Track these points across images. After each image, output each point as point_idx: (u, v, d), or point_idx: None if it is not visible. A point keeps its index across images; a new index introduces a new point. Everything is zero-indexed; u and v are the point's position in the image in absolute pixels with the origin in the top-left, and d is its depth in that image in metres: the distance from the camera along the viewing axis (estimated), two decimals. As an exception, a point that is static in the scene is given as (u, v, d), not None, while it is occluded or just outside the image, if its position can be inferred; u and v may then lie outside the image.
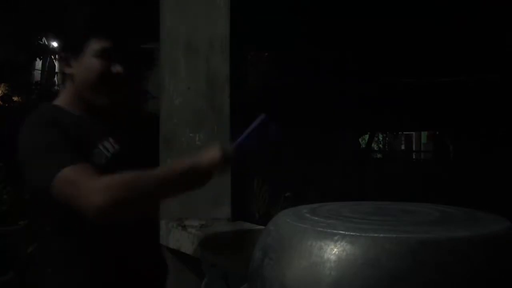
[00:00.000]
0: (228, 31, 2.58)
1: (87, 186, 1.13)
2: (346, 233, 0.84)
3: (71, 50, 1.38)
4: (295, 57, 6.44)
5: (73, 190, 1.16)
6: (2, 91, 7.68)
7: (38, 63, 9.80)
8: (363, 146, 10.93)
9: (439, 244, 0.80)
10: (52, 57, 9.29)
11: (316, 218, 0.97)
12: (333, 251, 0.83)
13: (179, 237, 2.25)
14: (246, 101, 2.86)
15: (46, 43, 8.58)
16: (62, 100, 1.42)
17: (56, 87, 9.28)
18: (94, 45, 1.35)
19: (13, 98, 7.65)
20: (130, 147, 1.40)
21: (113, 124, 1.44)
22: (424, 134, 16.73)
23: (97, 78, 1.34)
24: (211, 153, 1.25)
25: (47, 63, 9.84)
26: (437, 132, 12.24)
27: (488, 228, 0.88)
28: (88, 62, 1.35)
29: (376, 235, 0.82)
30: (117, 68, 1.36)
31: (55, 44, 8.69)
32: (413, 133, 17.17)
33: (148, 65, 1.58)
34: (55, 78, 9.85)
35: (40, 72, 9.97)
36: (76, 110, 1.39)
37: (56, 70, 10.16)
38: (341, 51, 5.90)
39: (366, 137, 10.95)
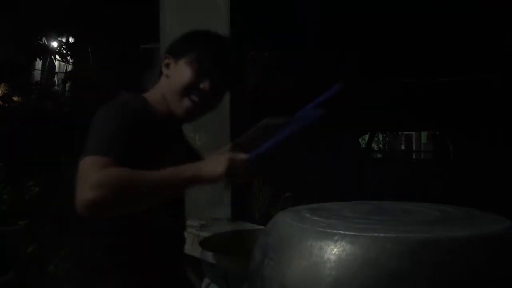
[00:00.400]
0: (228, 31, 2.58)
1: (88, 178, 1.10)
2: (346, 233, 0.84)
3: (173, 54, 1.39)
4: (295, 57, 6.44)
5: (79, 180, 1.12)
6: (2, 91, 7.68)
7: (38, 63, 9.78)
8: (363, 146, 10.93)
9: (438, 244, 0.80)
10: (52, 57, 9.28)
11: (316, 218, 0.97)
12: (333, 251, 0.83)
13: (179, 237, 2.25)
14: (246, 101, 2.86)
15: (46, 43, 8.58)
16: (151, 96, 1.40)
17: (56, 87, 9.28)
18: (191, 55, 1.36)
19: (13, 98, 7.65)
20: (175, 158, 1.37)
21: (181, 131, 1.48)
22: (424, 134, 16.73)
23: (182, 86, 1.35)
24: (217, 164, 1.17)
25: (47, 63, 9.83)
26: (437, 132, 12.25)
27: (488, 228, 0.88)
28: (182, 69, 1.36)
29: (376, 235, 0.82)
30: (204, 84, 1.35)
31: (55, 44, 8.69)
32: (413, 133, 17.17)
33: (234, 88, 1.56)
34: (55, 78, 9.84)
35: (40, 72, 9.96)
36: (159, 109, 1.38)
37: (56, 70, 10.16)
38: (341, 51, 5.91)
39: (366, 137, 10.96)
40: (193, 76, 1.35)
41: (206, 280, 1.81)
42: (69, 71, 8.76)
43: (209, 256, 1.74)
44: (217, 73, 1.37)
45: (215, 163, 1.17)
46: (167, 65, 1.39)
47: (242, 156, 1.19)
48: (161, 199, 1.21)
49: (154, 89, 1.42)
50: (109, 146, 1.17)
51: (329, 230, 0.87)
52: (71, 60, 8.65)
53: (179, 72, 1.36)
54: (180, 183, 1.19)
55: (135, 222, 1.26)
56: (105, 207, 1.10)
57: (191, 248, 2.11)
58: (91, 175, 1.09)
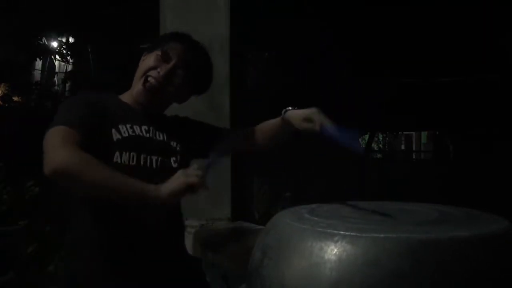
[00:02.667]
0: (228, 31, 2.58)
1: (58, 149, 1.22)
2: (346, 233, 0.84)
3: (148, 50, 1.51)
4: (295, 57, 6.44)
5: (49, 145, 1.25)
6: (2, 91, 7.67)
7: (38, 63, 9.78)
8: (363, 146, 10.93)
9: (439, 244, 0.80)
10: (52, 57, 9.28)
11: (316, 218, 0.97)
12: (334, 251, 0.83)
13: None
14: (246, 101, 2.86)
15: (46, 43, 8.57)
16: (125, 93, 1.51)
17: (56, 87, 9.28)
18: (160, 47, 1.48)
19: (13, 98, 7.64)
20: (149, 139, 1.45)
21: (153, 117, 1.52)
22: (424, 134, 16.73)
23: (143, 70, 1.46)
24: (173, 181, 1.22)
25: (47, 63, 9.83)
26: (437, 132, 12.25)
27: (488, 228, 0.88)
28: (148, 57, 1.48)
29: (376, 235, 0.82)
30: (161, 67, 1.45)
31: (55, 44, 8.69)
32: (413, 133, 17.17)
33: (198, 92, 1.63)
34: (55, 78, 9.84)
35: (40, 72, 9.96)
36: (127, 99, 1.48)
37: (56, 70, 10.16)
38: (341, 51, 5.91)
39: (366, 137, 10.96)
40: (155, 61, 1.45)
41: (206, 280, 1.81)
42: (69, 71, 8.76)
43: (209, 256, 1.74)
44: (181, 65, 1.46)
45: (172, 181, 1.22)
46: (142, 60, 1.50)
47: (194, 170, 1.24)
48: (116, 197, 1.26)
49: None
50: (76, 120, 1.29)
51: (329, 231, 0.87)
52: (71, 60, 8.65)
53: (145, 61, 1.48)
54: (137, 192, 1.23)
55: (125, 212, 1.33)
56: (67, 178, 1.21)
57: (191, 248, 2.11)
58: (67, 145, 1.22)
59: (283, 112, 1.58)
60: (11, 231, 3.55)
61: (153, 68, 1.44)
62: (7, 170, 3.97)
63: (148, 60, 1.46)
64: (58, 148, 1.22)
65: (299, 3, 4.67)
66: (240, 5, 2.66)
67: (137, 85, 1.46)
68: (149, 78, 1.44)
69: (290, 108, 1.58)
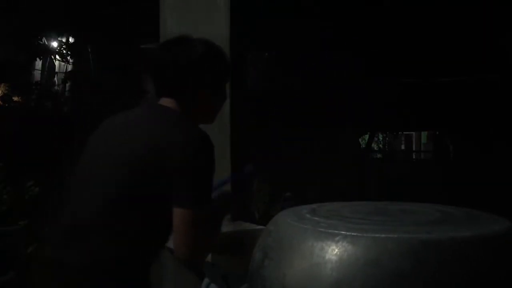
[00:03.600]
0: (228, 31, 2.58)
1: (192, 241, 1.31)
2: (347, 233, 0.84)
3: (216, 78, 1.60)
4: (295, 57, 6.44)
5: (183, 233, 1.31)
6: (2, 91, 7.67)
7: (38, 63, 9.77)
8: (363, 146, 10.93)
9: (440, 244, 0.80)
10: (52, 57, 9.27)
11: (317, 218, 0.97)
12: (335, 251, 0.83)
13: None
14: (246, 101, 2.86)
15: (46, 43, 8.56)
16: (180, 112, 1.52)
17: (56, 87, 9.27)
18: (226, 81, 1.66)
19: (13, 98, 7.64)
20: None
21: None
22: (424, 134, 16.72)
23: (217, 110, 1.65)
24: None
25: (47, 63, 9.82)
26: (437, 132, 12.24)
27: (489, 228, 0.88)
28: (221, 95, 1.64)
29: (377, 235, 0.82)
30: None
31: (55, 44, 8.68)
32: (413, 133, 17.16)
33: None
34: (55, 78, 9.83)
35: (40, 72, 9.95)
36: None
37: (56, 70, 10.15)
38: (341, 51, 5.90)
39: (366, 137, 10.95)
40: (223, 97, 1.65)
41: (206, 280, 1.81)
42: (69, 71, 8.75)
43: (209, 256, 1.74)
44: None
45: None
46: (203, 89, 1.53)
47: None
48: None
49: (181, 107, 1.50)
50: (208, 201, 1.36)
51: (330, 231, 0.87)
52: (71, 60, 8.64)
53: (217, 96, 1.60)
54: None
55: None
56: (197, 259, 1.42)
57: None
58: (192, 238, 1.30)
59: None
60: (11, 231, 3.54)
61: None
62: (7, 170, 3.97)
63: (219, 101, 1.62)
64: (192, 237, 1.31)
65: (299, 3, 4.67)
66: (240, 5, 2.66)
67: (208, 120, 1.60)
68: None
69: None
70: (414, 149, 17.74)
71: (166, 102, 1.48)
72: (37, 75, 9.78)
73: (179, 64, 1.49)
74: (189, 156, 1.34)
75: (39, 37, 8.00)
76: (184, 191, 1.31)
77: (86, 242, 1.35)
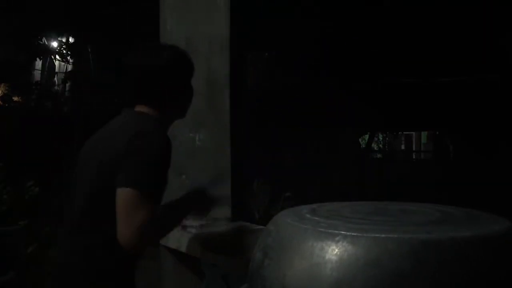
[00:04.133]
0: (228, 31, 2.57)
1: (136, 225, 1.28)
2: (348, 233, 0.84)
3: (182, 78, 1.63)
4: (295, 57, 6.44)
5: (125, 214, 1.29)
6: (2, 91, 7.67)
7: (38, 63, 9.78)
8: (363, 146, 10.93)
9: (440, 244, 0.80)
10: (52, 57, 9.27)
11: (317, 218, 0.97)
12: (335, 251, 0.82)
13: (179, 237, 2.25)
14: (246, 101, 2.85)
15: (46, 43, 8.57)
16: (155, 116, 1.56)
17: (56, 87, 9.27)
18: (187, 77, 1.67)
19: (13, 98, 7.64)
20: None
21: None
22: (424, 134, 16.73)
23: (190, 100, 1.69)
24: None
25: (47, 63, 9.83)
26: (437, 132, 12.25)
27: (489, 228, 0.88)
28: (190, 91, 1.68)
29: (377, 235, 0.82)
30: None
31: (55, 44, 8.68)
32: (413, 133, 17.17)
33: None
34: (55, 78, 9.84)
35: (40, 72, 9.95)
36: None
37: (56, 70, 10.15)
38: (342, 51, 5.91)
39: (366, 137, 10.96)
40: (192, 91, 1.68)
41: (206, 280, 1.81)
42: (69, 71, 8.75)
43: (209, 256, 1.74)
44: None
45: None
46: (171, 91, 1.58)
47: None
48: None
49: (155, 111, 1.55)
50: (153, 186, 1.36)
51: (330, 231, 0.86)
52: (71, 60, 8.65)
53: (187, 94, 1.65)
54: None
55: None
56: (142, 249, 1.37)
57: (191, 248, 2.11)
58: (139, 223, 1.28)
59: None
60: (11, 231, 3.55)
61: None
62: (7, 170, 3.97)
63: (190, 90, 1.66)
64: (134, 219, 1.29)
65: (299, 3, 4.67)
66: (240, 5, 2.66)
67: (181, 115, 1.66)
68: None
69: None
70: (414, 149, 17.75)
71: (140, 107, 1.55)
72: (37, 75, 9.78)
73: (146, 72, 1.55)
74: (137, 143, 1.39)
75: (39, 37, 8.00)
76: (127, 171, 1.33)
77: (70, 242, 1.47)
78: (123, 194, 1.30)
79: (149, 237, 1.32)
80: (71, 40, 8.45)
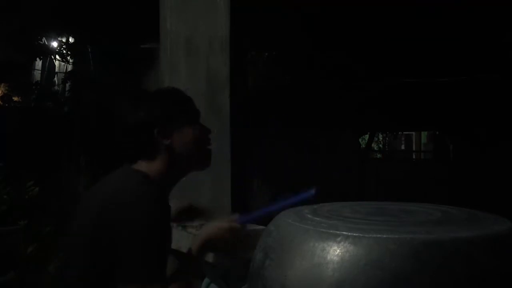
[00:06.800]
0: (228, 31, 2.58)
1: None
2: (349, 234, 0.84)
3: (171, 122, 1.41)
4: (295, 57, 6.44)
5: None
6: (2, 91, 7.67)
7: (38, 63, 9.78)
8: (363, 146, 10.93)
9: (442, 245, 0.80)
10: (52, 57, 9.27)
11: (318, 218, 0.97)
12: (336, 252, 0.82)
13: (179, 237, 2.25)
14: (246, 101, 2.85)
15: (46, 43, 8.57)
16: (150, 172, 1.38)
17: (56, 87, 9.27)
18: (187, 112, 1.45)
19: (13, 98, 7.64)
20: None
21: None
22: (424, 134, 16.72)
23: (198, 141, 1.44)
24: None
25: (47, 63, 9.82)
26: (437, 132, 12.25)
27: (490, 228, 0.88)
28: (188, 129, 1.43)
29: (379, 236, 0.82)
30: (207, 130, 1.49)
31: (55, 44, 8.68)
32: (413, 133, 17.16)
33: None
34: (55, 78, 9.84)
35: (40, 72, 9.95)
36: (163, 185, 1.40)
37: (56, 70, 10.15)
38: (342, 51, 5.91)
39: (366, 137, 10.96)
40: (200, 129, 1.46)
41: (206, 280, 1.81)
42: (69, 71, 8.75)
43: (209, 256, 1.74)
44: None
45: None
46: (165, 137, 1.39)
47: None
48: None
49: (153, 165, 1.39)
50: (156, 273, 1.21)
51: (331, 231, 0.86)
52: (71, 60, 8.64)
53: (188, 135, 1.42)
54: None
55: None
56: None
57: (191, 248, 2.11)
58: None
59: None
60: (11, 231, 3.55)
61: (204, 135, 1.47)
62: (7, 170, 3.98)
63: (193, 132, 1.44)
64: None
65: (299, 3, 4.67)
66: (240, 5, 2.66)
67: (198, 158, 1.45)
68: (208, 146, 1.48)
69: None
70: (414, 149, 17.74)
71: (138, 165, 1.40)
72: (37, 75, 9.78)
73: (135, 123, 1.41)
74: (126, 228, 1.23)
75: (39, 37, 8.00)
76: (121, 266, 1.20)
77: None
78: None
79: None
80: (71, 40, 8.45)
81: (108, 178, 1.38)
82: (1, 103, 7.37)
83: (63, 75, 8.64)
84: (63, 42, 8.48)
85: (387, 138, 15.90)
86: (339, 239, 0.84)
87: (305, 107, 6.46)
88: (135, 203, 1.26)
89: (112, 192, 1.30)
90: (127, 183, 1.32)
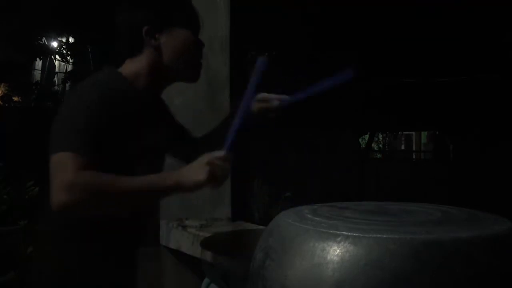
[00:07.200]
0: (228, 31, 2.58)
1: (61, 178, 1.07)
2: (349, 234, 0.84)
3: (160, 21, 1.33)
4: (295, 57, 6.44)
5: (52, 176, 1.10)
6: (2, 91, 7.68)
7: (38, 63, 9.78)
8: (363, 146, 10.94)
9: (441, 245, 0.80)
10: (52, 57, 9.28)
11: (318, 218, 0.97)
12: (336, 252, 0.82)
13: (179, 237, 2.25)
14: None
15: (46, 43, 8.57)
16: (129, 70, 1.33)
17: (56, 87, 9.28)
18: (182, 15, 1.36)
19: (13, 98, 7.65)
20: (158, 138, 1.39)
21: (157, 102, 1.44)
22: (424, 134, 16.74)
23: (187, 48, 1.35)
24: (198, 172, 1.12)
25: (47, 63, 9.83)
26: (437, 132, 12.25)
27: (490, 228, 0.88)
28: (179, 32, 1.35)
29: (379, 236, 0.82)
30: (201, 42, 1.41)
31: (55, 44, 8.69)
32: (413, 133, 17.18)
33: None
34: (55, 78, 9.85)
35: (40, 72, 9.96)
36: (141, 84, 1.33)
37: (56, 70, 10.16)
38: (342, 51, 5.90)
39: (366, 137, 10.96)
40: (193, 38, 1.37)
41: (206, 280, 1.81)
42: (69, 71, 8.76)
43: (209, 256, 1.74)
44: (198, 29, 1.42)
45: (196, 170, 1.13)
46: (153, 37, 1.32)
47: (220, 155, 1.15)
48: (139, 205, 1.23)
49: (132, 63, 1.34)
50: (82, 142, 1.12)
51: (331, 231, 0.86)
52: (71, 60, 8.65)
53: (177, 36, 1.34)
54: (159, 192, 1.19)
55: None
56: (77, 209, 1.09)
57: (191, 248, 2.11)
58: (64, 176, 1.07)
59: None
60: (11, 231, 3.55)
61: (195, 45, 1.38)
62: (7, 170, 3.98)
63: (183, 37, 1.35)
64: (57, 181, 1.08)
65: (300, 3, 4.67)
66: (240, 5, 2.66)
67: (183, 67, 1.36)
68: (198, 59, 1.40)
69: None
70: (414, 149, 17.75)
71: (123, 66, 1.36)
72: (37, 75, 9.78)
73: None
74: (65, 104, 1.23)
75: (39, 37, 8.00)
76: (51, 139, 1.15)
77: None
78: (50, 163, 1.11)
79: (83, 190, 1.06)
80: (71, 40, 8.45)
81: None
82: (1, 103, 7.37)
83: (63, 75, 8.64)
84: (63, 42, 8.48)
85: (387, 138, 15.92)
86: (339, 239, 0.84)
87: (305, 107, 6.46)
88: (77, 89, 1.25)
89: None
90: (88, 80, 1.27)
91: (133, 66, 1.34)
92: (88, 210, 1.12)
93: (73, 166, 1.08)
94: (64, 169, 1.08)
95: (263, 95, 1.45)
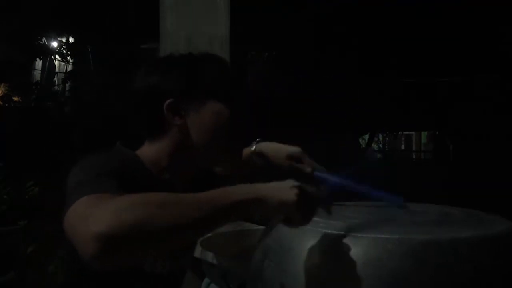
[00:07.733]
0: (228, 31, 2.58)
1: (94, 214, 0.74)
2: (348, 234, 0.84)
3: (187, 92, 1.02)
4: (295, 57, 6.44)
5: (77, 224, 0.77)
6: (2, 91, 7.68)
7: (38, 63, 9.78)
8: (363, 146, 10.93)
9: (441, 245, 0.80)
10: (52, 57, 9.28)
11: (317, 218, 0.97)
12: (335, 252, 0.83)
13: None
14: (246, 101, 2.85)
15: (46, 43, 8.58)
16: (146, 153, 1.06)
17: (56, 87, 9.28)
18: (216, 82, 1.05)
19: (13, 98, 7.65)
20: None
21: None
22: (424, 134, 16.74)
23: (222, 127, 1.03)
24: (285, 192, 0.85)
25: (47, 63, 9.84)
26: (437, 132, 12.25)
27: (490, 228, 0.88)
28: (212, 106, 1.03)
29: (378, 235, 0.82)
30: (244, 112, 1.07)
31: (55, 44, 8.69)
32: (413, 133, 17.18)
33: None
34: (55, 78, 9.85)
35: (40, 72, 9.96)
36: (157, 169, 1.05)
37: (56, 70, 10.16)
38: (341, 51, 5.91)
39: (366, 137, 10.96)
40: (230, 113, 1.05)
41: (206, 280, 1.81)
42: (69, 71, 8.76)
43: (209, 256, 1.74)
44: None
45: (284, 189, 0.86)
46: (179, 114, 1.02)
47: (313, 190, 0.88)
48: (199, 231, 0.85)
49: (154, 146, 1.05)
50: (110, 184, 0.86)
51: (330, 231, 0.87)
52: (71, 60, 8.65)
53: (211, 113, 1.03)
54: (236, 206, 0.80)
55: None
56: (125, 243, 0.71)
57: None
58: (98, 211, 0.74)
59: (253, 143, 1.29)
60: (11, 231, 3.55)
61: (236, 119, 1.06)
62: (7, 170, 3.98)
63: (219, 110, 1.04)
64: (90, 219, 0.73)
65: (300, 3, 4.67)
66: (240, 5, 2.66)
67: (218, 151, 1.05)
68: (239, 138, 1.09)
69: (259, 139, 1.30)
70: (414, 149, 17.75)
71: (140, 151, 1.07)
72: (37, 75, 9.78)
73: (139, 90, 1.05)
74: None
75: (39, 37, 8.01)
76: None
77: None
78: (68, 215, 0.82)
79: (132, 211, 0.71)
80: (71, 40, 8.46)
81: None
82: (1, 103, 7.37)
83: (63, 75, 8.64)
84: (63, 42, 8.49)
85: (387, 138, 15.91)
86: (338, 239, 0.84)
87: (305, 107, 6.46)
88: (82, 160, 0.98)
89: None
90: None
91: (153, 150, 1.05)
92: (139, 244, 0.73)
93: (106, 198, 0.78)
94: (95, 205, 0.76)
95: (299, 153, 1.23)
